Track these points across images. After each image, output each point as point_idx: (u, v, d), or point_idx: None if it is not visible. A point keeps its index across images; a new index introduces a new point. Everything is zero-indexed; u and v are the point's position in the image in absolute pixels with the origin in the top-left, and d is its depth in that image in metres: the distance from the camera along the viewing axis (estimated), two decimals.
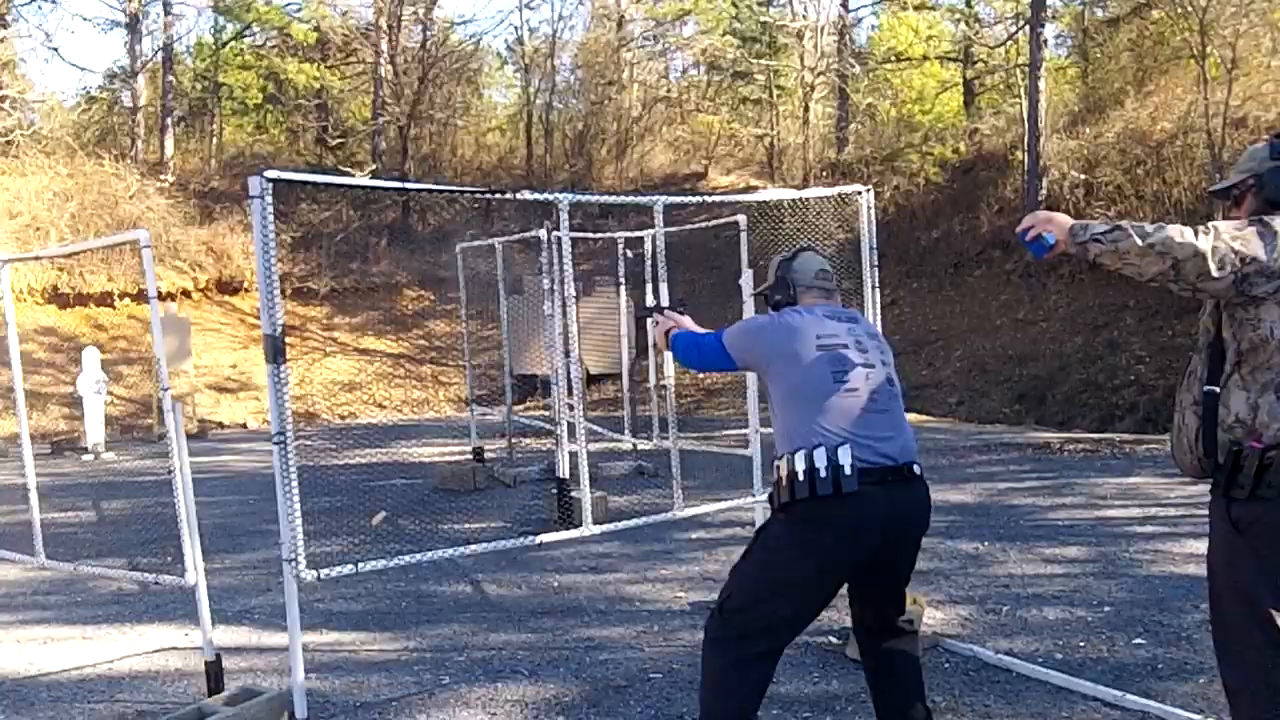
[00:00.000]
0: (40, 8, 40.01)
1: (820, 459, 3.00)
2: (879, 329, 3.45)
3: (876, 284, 5.44)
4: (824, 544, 3.04)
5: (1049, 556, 6.56)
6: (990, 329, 17.60)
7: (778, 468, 3.12)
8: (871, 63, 29.04)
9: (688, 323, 3.72)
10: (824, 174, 24.46)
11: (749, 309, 5.66)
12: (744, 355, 3.37)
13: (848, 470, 2.98)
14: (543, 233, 8.49)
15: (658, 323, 3.78)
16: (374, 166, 24.84)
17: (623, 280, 10.42)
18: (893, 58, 28.50)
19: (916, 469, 3.17)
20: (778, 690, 4.31)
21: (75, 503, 10.12)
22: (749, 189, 24.65)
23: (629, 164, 27.94)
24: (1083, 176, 18.21)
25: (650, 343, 9.47)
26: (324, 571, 3.75)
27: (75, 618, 6.03)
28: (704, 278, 18.58)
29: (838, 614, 5.36)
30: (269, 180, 3.61)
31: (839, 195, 5.95)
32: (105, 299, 19.99)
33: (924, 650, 4.68)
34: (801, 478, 3.02)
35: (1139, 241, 2.58)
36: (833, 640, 5.00)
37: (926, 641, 4.81)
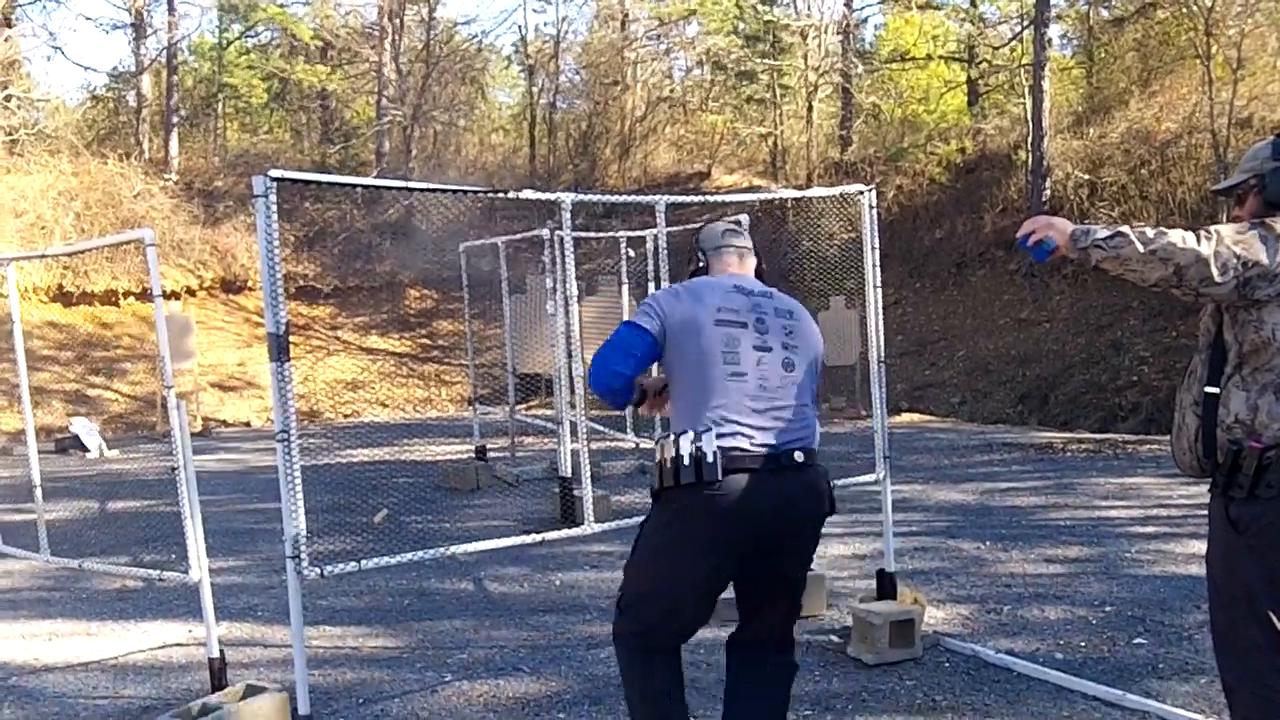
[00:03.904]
0: (44, 7, 40.24)
1: (686, 445, 2.88)
2: (797, 305, 3.18)
3: (879, 284, 5.42)
4: (694, 533, 2.91)
5: (1050, 556, 6.57)
6: (993, 329, 17.60)
7: (655, 452, 3.01)
8: (875, 62, 29.01)
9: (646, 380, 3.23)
10: (827, 174, 24.41)
11: None
12: (650, 322, 3.01)
13: (710, 458, 2.84)
14: (546, 232, 8.50)
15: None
16: (378, 166, 24.85)
17: (625, 280, 10.43)
18: (897, 57, 28.47)
19: (799, 457, 2.95)
20: None
21: (79, 500, 10.15)
22: (753, 188, 24.61)
23: (632, 164, 27.92)
24: (1087, 177, 18.20)
25: None
26: (327, 569, 3.77)
27: (80, 613, 6.06)
28: None
29: (839, 613, 5.38)
30: (273, 179, 3.63)
31: (841, 195, 5.95)
32: (109, 297, 20.03)
33: (925, 650, 4.73)
34: (669, 464, 2.90)
35: (1141, 248, 2.57)
36: (834, 638, 5.01)
37: (927, 640, 4.83)
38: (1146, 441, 11.68)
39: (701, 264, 3.27)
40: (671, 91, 31.04)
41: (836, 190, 6.02)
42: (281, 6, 28.02)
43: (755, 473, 2.88)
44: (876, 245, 5.37)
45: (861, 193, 5.38)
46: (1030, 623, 5.18)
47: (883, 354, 5.36)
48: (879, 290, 5.40)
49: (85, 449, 14.26)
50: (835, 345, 15.66)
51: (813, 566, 5.70)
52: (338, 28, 27.00)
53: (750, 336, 2.99)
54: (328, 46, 28.34)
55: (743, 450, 2.88)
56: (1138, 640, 4.82)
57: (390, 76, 26.28)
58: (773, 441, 2.92)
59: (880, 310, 5.38)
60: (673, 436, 2.93)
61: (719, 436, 2.87)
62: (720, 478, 2.84)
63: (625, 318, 11.27)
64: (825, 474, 3.07)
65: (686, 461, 2.86)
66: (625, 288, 10.39)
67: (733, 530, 2.89)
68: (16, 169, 21.14)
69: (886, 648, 4.60)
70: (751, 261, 3.27)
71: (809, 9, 26.91)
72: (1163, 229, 2.62)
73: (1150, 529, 7.25)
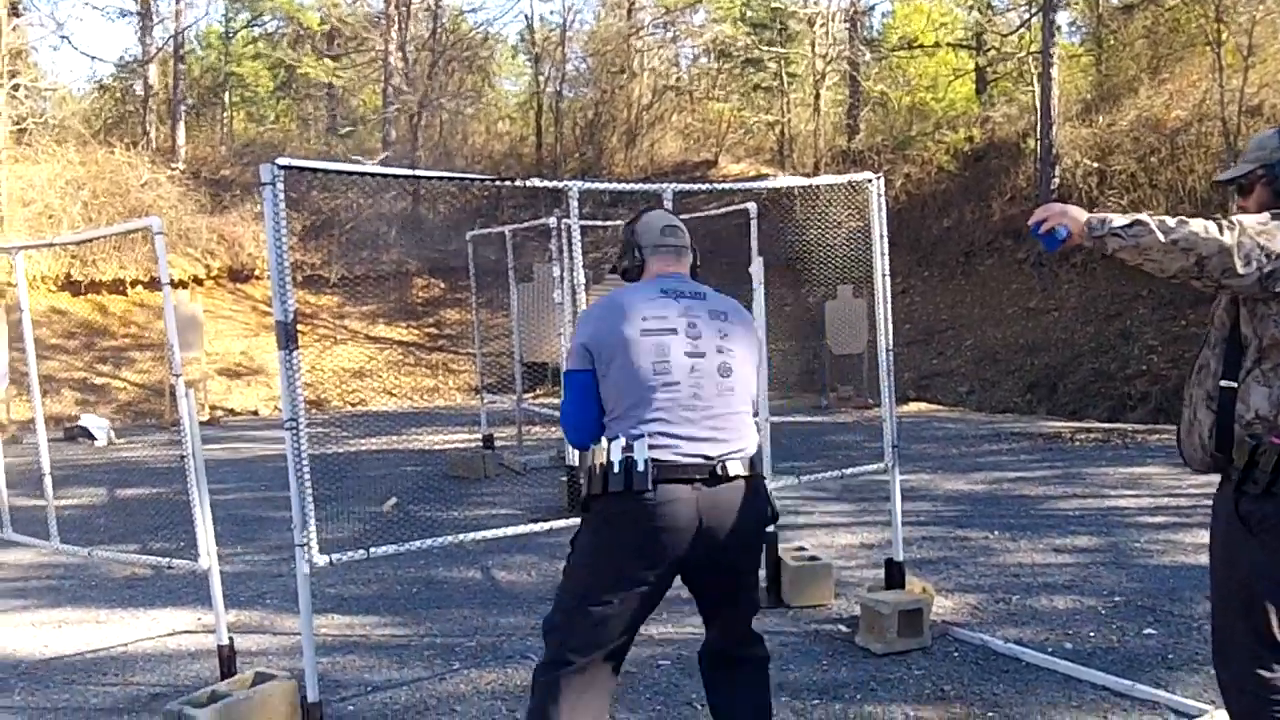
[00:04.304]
0: None
1: (616, 452, 2.78)
2: (734, 304, 3.07)
3: (887, 272, 5.39)
4: (621, 541, 2.79)
5: (1059, 546, 6.56)
6: (1001, 318, 17.55)
7: (584, 459, 2.95)
8: (883, 50, 28.90)
9: None
10: (835, 162, 24.33)
11: (759, 297, 5.64)
12: (582, 356, 2.92)
13: (640, 466, 2.74)
14: (553, 220, 8.48)
15: None
16: (385, 155, 24.83)
17: None
18: (904, 45, 28.36)
19: (736, 468, 2.85)
20: (786, 678, 4.33)
21: (88, 488, 10.17)
22: (759, 177, 24.55)
23: (639, 152, 27.86)
24: (1096, 165, 18.12)
25: None
26: (335, 556, 3.76)
27: (89, 601, 6.07)
28: (714, 265, 18.53)
29: (847, 602, 5.38)
30: (280, 168, 3.62)
31: (850, 183, 5.91)
32: (117, 286, 20.03)
33: (933, 639, 4.72)
34: (598, 472, 2.80)
35: (1161, 237, 2.51)
36: (842, 628, 5.01)
37: (936, 630, 4.83)
38: (1156, 431, 11.65)
39: (637, 262, 3.09)
40: (678, 80, 30.97)
41: (845, 178, 5.97)
42: None
43: (689, 483, 2.78)
44: (885, 234, 5.34)
45: (870, 181, 5.34)
46: (1039, 612, 5.17)
47: (891, 343, 5.32)
48: (888, 279, 5.36)
49: (93, 437, 14.29)
50: (843, 334, 15.66)
51: (819, 556, 5.73)
52: (344, 16, 26.94)
53: (681, 343, 2.87)
54: (334, 34, 28.30)
55: (675, 461, 2.78)
56: (1147, 630, 4.81)
57: (397, 65, 26.24)
58: (708, 453, 2.82)
59: (889, 299, 5.35)
60: (604, 443, 2.85)
61: (651, 447, 2.77)
62: (650, 487, 2.74)
63: None
64: (763, 483, 2.97)
65: (616, 469, 2.77)
66: None
67: (661, 541, 2.77)
68: (24, 158, 21.14)
69: (895, 637, 4.60)
70: (687, 259, 3.13)
71: None
72: (1183, 218, 2.57)
73: (1160, 519, 7.23)
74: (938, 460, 10.24)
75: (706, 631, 3.10)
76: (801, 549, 5.93)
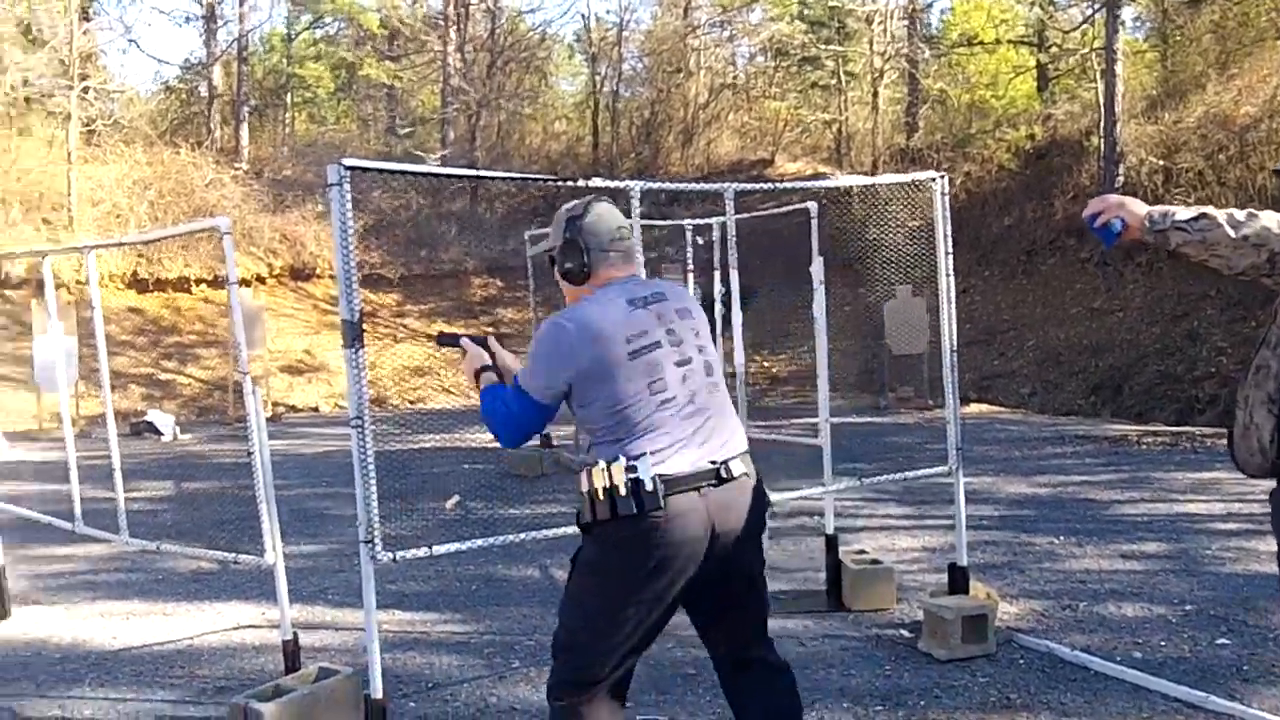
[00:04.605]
0: (120, 1, 40.96)
1: (619, 475, 2.66)
2: (684, 291, 2.97)
3: (951, 272, 5.32)
4: (637, 563, 2.70)
5: (1126, 552, 6.43)
6: (1064, 318, 17.27)
7: (579, 480, 2.79)
8: (942, 47, 28.59)
9: (505, 359, 3.11)
10: (893, 160, 24.17)
11: (820, 296, 5.59)
12: (553, 390, 2.80)
13: (649, 486, 2.64)
14: None
15: (463, 354, 3.16)
16: (443, 154, 25.02)
17: (691, 267, 10.38)
18: (964, 42, 28.02)
19: (739, 467, 2.79)
20: (848, 683, 4.29)
21: (154, 482, 10.36)
22: (817, 175, 24.45)
23: (695, 151, 27.84)
24: (1162, 163, 17.76)
25: (718, 328, 9.41)
26: (399, 554, 3.78)
27: (156, 594, 6.19)
28: (770, 265, 18.44)
29: (909, 607, 5.31)
30: (347, 168, 3.65)
31: (912, 182, 5.84)
32: (182, 284, 20.39)
33: (998, 646, 4.64)
34: (602, 496, 2.68)
35: (1231, 232, 2.41)
36: (904, 633, 4.95)
37: (1000, 636, 4.75)
38: (1225, 435, 11.37)
39: (584, 265, 2.86)
40: (734, 78, 30.88)
41: (908, 177, 5.91)
42: None
43: (700, 490, 2.70)
44: (949, 233, 5.27)
45: (934, 179, 5.27)
46: (1107, 620, 5.07)
47: (955, 343, 5.25)
48: (951, 279, 5.28)
49: (159, 432, 14.56)
50: (902, 334, 15.50)
51: (880, 559, 5.67)
52: (404, 17, 27.20)
53: (668, 354, 2.76)
54: (395, 36, 28.58)
55: (682, 473, 2.69)
56: (1220, 640, 4.69)
57: (455, 65, 26.43)
58: (714, 457, 2.76)
59: (953, 298, 5.27)
60: (602, 465, 2.70)
61: (656, 464, 2.67)
62: (661, 505, 2.65)
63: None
64: (759, 476, 2.90)
65: (623, 492, 2.65)
66: (690, 275, 10.34)
67: (679, 555, 2.70)
68: (93, 159, 21.60)
69: (959, 643, 4.53)
70: (638, 258, 2.96)
71: None
72: (1253, 211, 2.46)
73: (1231, 525, 7.06)
74: (1000, 463, 10.10)
75: (708, 647, 3.00)
76: (862, 552, 5.87)
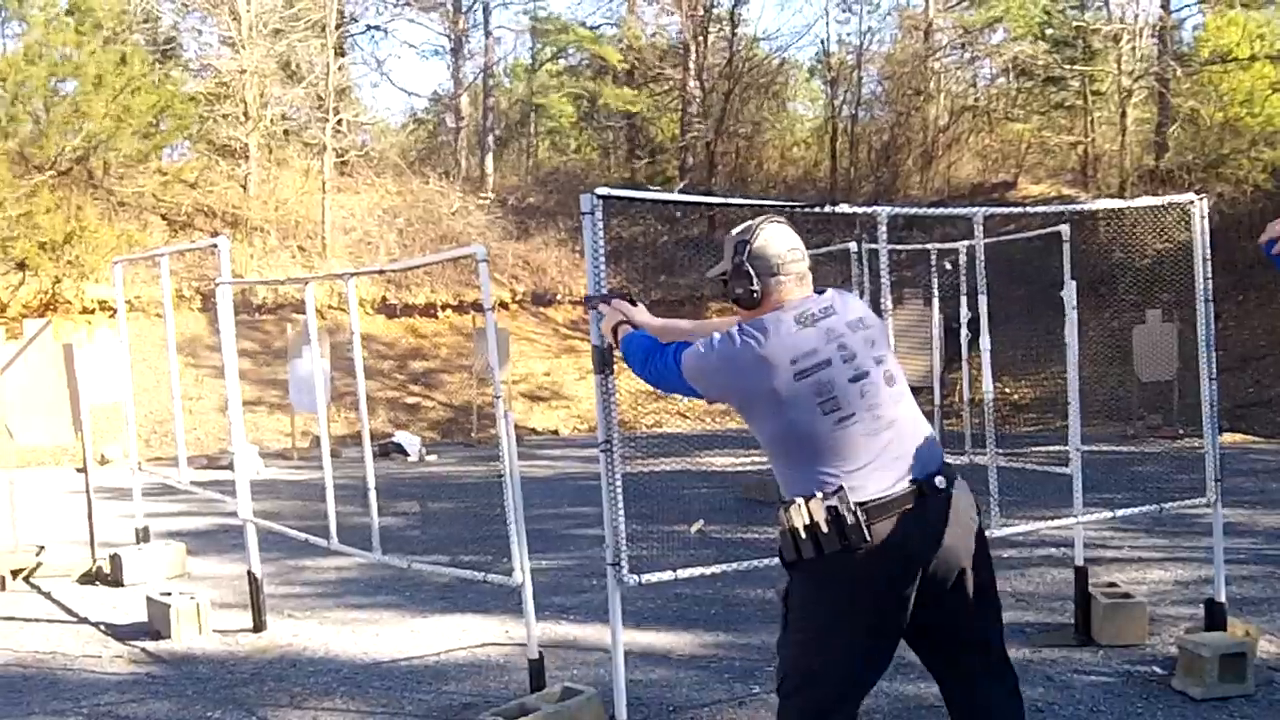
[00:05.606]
0: (372, 37, 43.70)
1: (819, 511, 2.58)
2: (861, 303, 2.83)
3: (1210, 297, 4.97)
4: (853, 596, 2.62)
5: None
6: None
7: (779, 518, 2.70)
8: (1194, 64, 26.85)
9: (641, 315, 3.19)
10: (1142, 181, 22.98)
11: (1072, 321, 5.31)
12: (709, 391, 2.83)
13: (850, 519, 2.55)
14: (854, 245, 8.31)
15: (603, 314, 3.29)
16: (683, 182, 25.36)
17: (935, 292, 10.06)
18: (1217, 59, 26.21)
19: (940, 481, 2.65)
20: None
21: (402, 501, 10.85)
22: (1062, 198, 23.44)
23: (934, 174, 27.16)
24: None
25: (962, 354, 9.09)
26: (645, 576, 3.78)
27: (404, 609, 6.42)
28: (1010, 290, 17.76)
29: (1162, 642, 4.94)
30: (599, 197, 3.71)
31: (1168, 204, 5.49)
32: (428, 310, 21.40)
33: (1257, 686, 4.24)
34: (804, 535, 2.61)
35: None
36: (1157, 670, 4.64)
37: (1260, 676, 4.38)
38: None
39: (755, 290, 2.78)
40: (976, 100, 29.96)
41: (1163, 200, 5.57)
42: (591, 29, 29.19)
43: (903, 513, 2.59)
44: (1208, 256, 4.93)
45: (1191, 202, 4.95)
46: None
47: (1215, 370, 4.90)
48: (1210, 305, 4.96)
49: (406, 453, 15.30)
50: (1150, 360, 14.59)
51: (1131, 593, 5.30)
52: (643, 48, 27.79)
53: (841, 370, 2.65)
54: (634, 68, 29.25)
55: (880, 498, 2.59)
56: None
57: (694, 93, 26.77)
58: (910, 476, 2.63)
59: (1212, 324, 4.95)
60: (799, 503, 2.63)
61: (852, 491, 2.58)
62: (868, 536, 2.56)
63: (935, 330, 10.92)
64: (965, 485, 2.73)
65: (825, 529, 2.58)
66: (935, 300, 10.03)
67: (895, 579, 2.61)
68: (346, 188, 23.07)
69: (1216, 682, 4.27)
70: (810, 277, 2.82)
71: (1123, 12, 25.28)
72: None
73: None
74: (1256, 494, 9.49)
75: (925, 662, 2.87)
76: (1113, 585, 5.60)
